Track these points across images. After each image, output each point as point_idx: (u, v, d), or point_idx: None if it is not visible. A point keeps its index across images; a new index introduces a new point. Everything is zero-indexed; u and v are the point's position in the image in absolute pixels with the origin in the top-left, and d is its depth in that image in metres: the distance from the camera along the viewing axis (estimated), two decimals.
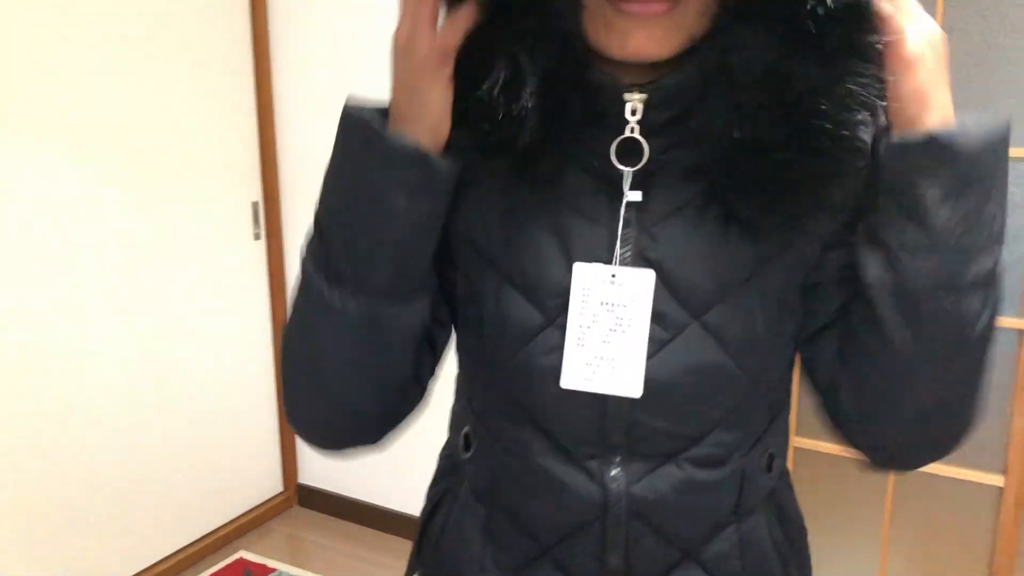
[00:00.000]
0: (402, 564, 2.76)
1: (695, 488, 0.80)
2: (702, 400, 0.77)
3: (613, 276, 0.76)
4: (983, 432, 2.11)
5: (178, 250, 2.58)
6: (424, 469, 3.10)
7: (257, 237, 2.84)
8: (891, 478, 2.22)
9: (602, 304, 0.76)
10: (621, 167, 0.74)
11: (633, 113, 0.72)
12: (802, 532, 0.93)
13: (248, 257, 2.82)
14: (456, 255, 0.82)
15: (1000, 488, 2.11)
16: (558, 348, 0.77)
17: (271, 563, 2.74)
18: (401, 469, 2.87)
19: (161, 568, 2.64)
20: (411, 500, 2.87)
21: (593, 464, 0.79)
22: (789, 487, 0.92)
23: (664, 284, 0.75)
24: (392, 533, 2.92)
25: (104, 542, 2.47)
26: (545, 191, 0.76)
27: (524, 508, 0.83)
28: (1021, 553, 2.13)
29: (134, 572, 2.57)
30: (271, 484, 3.04)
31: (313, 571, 2.71)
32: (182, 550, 2.72)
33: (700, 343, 0.75)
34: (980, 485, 2.14)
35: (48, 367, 2.26)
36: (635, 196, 0.75)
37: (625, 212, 0.75)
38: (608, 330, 0.77)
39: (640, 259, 0.76)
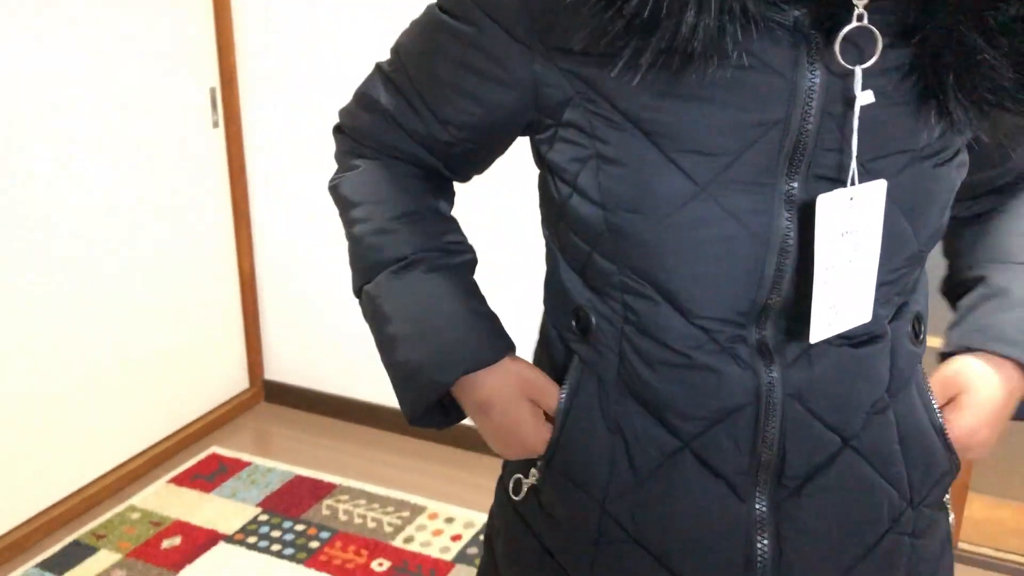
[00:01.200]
0: (372, 452, 2.77)
1: (851, 366, 0.74)
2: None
3: (851, 199, 0.68)
4: None
5: (135, 139, 2.46)
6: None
7: (215, 124, 2.73)
8: None
9: (843, 235, 0.69)
10: (848, 65, 0.65)
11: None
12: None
13: (207, 145, 2.72)
14: (576, 107, 0.71)
15: None
16: (703, 221, 0.68)
17: (244, 456, 2.73)
18: (363, 360, 2.86)
19: (136, 463, 2.60)
20: (374, 390, 2.86)
21: (740, 349, 0.72)
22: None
23: (847, 142, 0.69)
24: (358, 423, 2.92)
25: (77, 440, 2.41)
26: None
27: (661, 396, 0.74)
28: None
29: (110, 468, 2.53)
30: (238, 381, 3.00)
31: (285, 462, 2.71)
32: (155, 446, 2.68)
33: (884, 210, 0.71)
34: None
35: (7, 269, 2.16)
36: (868, 98, 0.66)
37: (855, 113, 0.66)
38: (847, 262, 0.70)
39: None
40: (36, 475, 2.32)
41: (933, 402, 0.80)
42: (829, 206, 0.68)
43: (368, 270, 0.82)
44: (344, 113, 0.88)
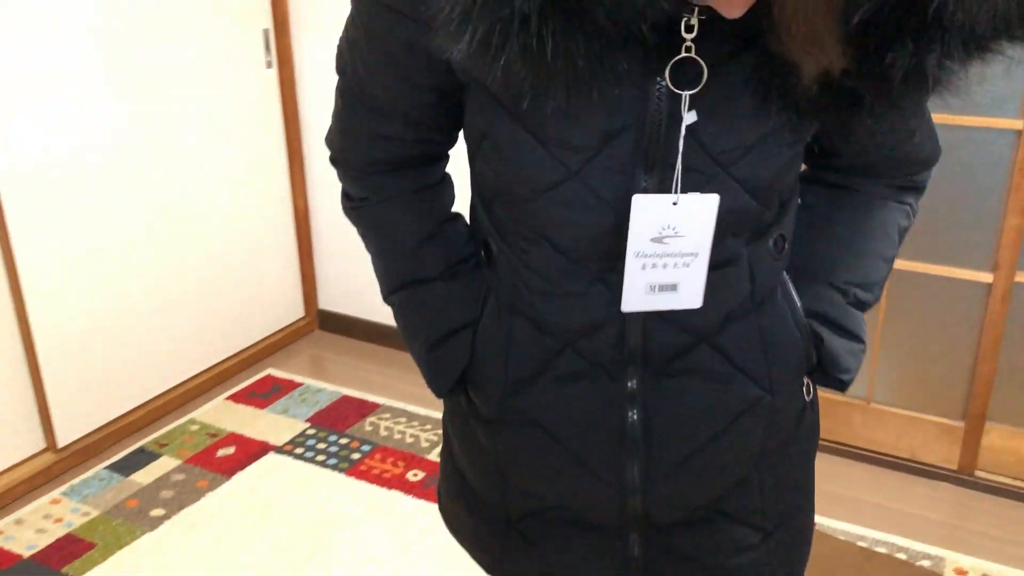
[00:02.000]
0: (416, 377, 2.93)
1: (709, 286, 0.82)
2: (719, 234, 0.80)
3: (675, 204, 0.76)
4: (975, 232, 2.22)
5: (190, 81, 2.63)
6: None
7: (269, 66, 2.88)
8: None
9: (662, 230, 0.77)
10: (677, 90, 0.73)
11: (689, 30, 0.70)
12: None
13: (260, 86, 2.87)
14: (473, 94, 0.81)
15: (988, 284, 2.23)
16: (574, 197, 0.78)
17: (297, 378, 2.91)
18: None
19: (198, 381, 2.81)
20: None
21: (610, 277, 0.81)
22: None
23: (697, 142, 0.76)
24: (403, 349, 3.06)
25: (146, 358, 2.63)
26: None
27: (544, 316, 0.86)
28: (1004, 346, 2.26)
29: (174, 384, 2.75)
30: (293, 310, 3.19)
31: (334, 383, 2.89)
32: (215, 366, 2.89)
33: (728, 192, 0.78)
34: (969, 282, 2.26)
35: (80, 202, 2.36)
36: (691, 118, 0.74)
37: (682, 132, 0.74)
38: (672, 259, 0.78)
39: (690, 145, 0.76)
40: (108, 389, 2.55)
41: (798, 304, 0.90)
42: (644, 206, 0.76)
43: (393, 288, 0.97)
44: (331, 145, 0.96)
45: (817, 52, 0.63)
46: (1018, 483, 2.33)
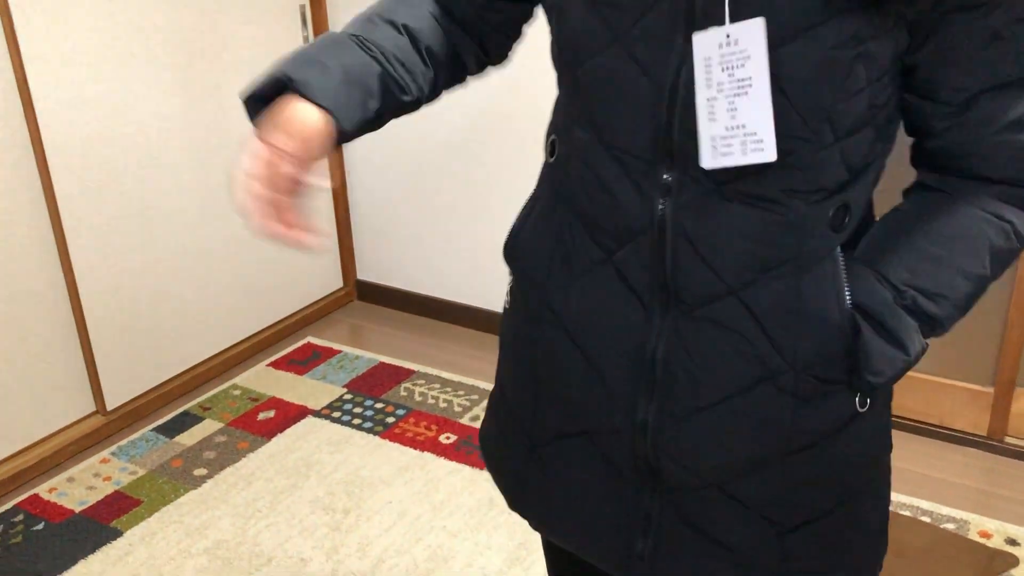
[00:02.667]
0: (451, 345, 2.99)
1: (742, 223, 0.80)
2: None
3: (728, 36, 0.75)
4: None
5: (227, 55, 2.70)
6: (471, 261, 3.31)
7: (305, 40, 2.94)
8: None
9: (723, 70, 0.76)
10: None
11: None
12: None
13: None
14: None
15: None
16: (615, 67, 0.81)
17: (336, 346, 3.00)
18: (445, 262, 3.07)
19: (239, 349, 2.91)
20: (455, 290, 3.08)
21: (645, 184, 0.82)
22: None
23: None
24: (439, 319, 3.15)
25: (190, 327, 2.73)
26: None
27: (588, 212, 0.87)
28: None
29: (216, 351, 2.85)
30: (332, 281, 3.27)
31: (371, 351, 2.97)
32: (256, 334, 2.98)
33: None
34: None
35: (122, 173, 2.45)
36: None
37: None
38: (733, 95, 0.76)
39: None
40: (154, 355, 2.65)
41: (847, 292, 0.83)
42: (704, 43, 0.76)
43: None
44: None
45: None
46: None
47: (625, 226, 0.85)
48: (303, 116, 0.86)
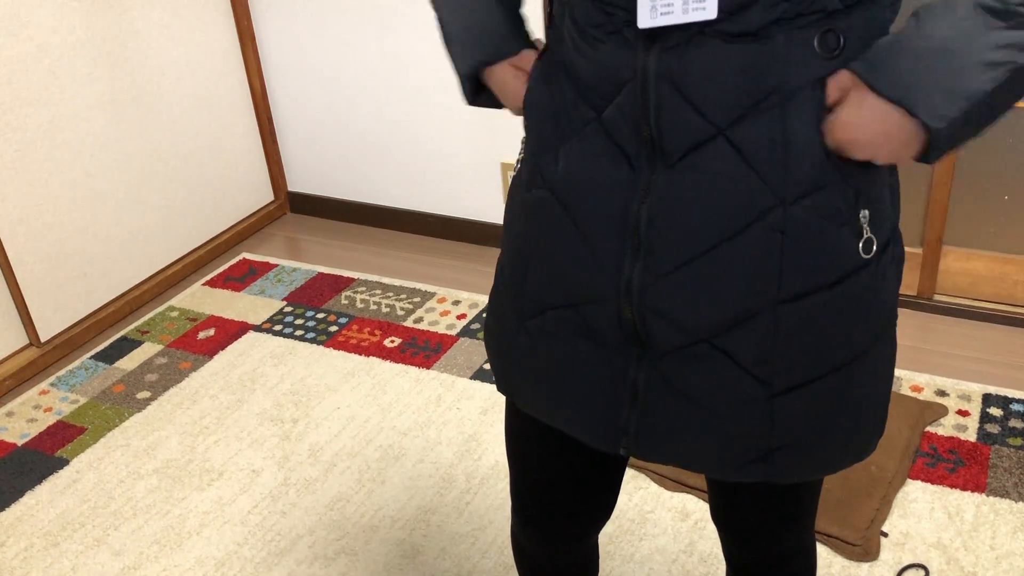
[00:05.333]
0: (389, 250, 2.97)
1: (723, 59, 0.79)
2: None
3: None
4: None
5: None
6: (401, 164, 3.26)
7: None
8: None
9: None
10: None
11: None
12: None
13: None
14: None
15: None
16: None
17: (272, 260, 2.95)
18: (378, 166, 3.01)
19: (173, 270, 2.85)
20: (389, 194, 3.03)
21: (628, 32, 0.81)
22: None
23: None
24: (376, 225, 3.11)
25: (116, 251, 2.66)
26: None
27: (579, 70, 0.87)
28: (956, 170, 2.29)
29: (150, 274, 2.79)
30: (262, 194, 3.19)
31: (309, 263, 2.93)
32: (189, 254, 2.92)
33: None
34: None
35: (24, 95, 2.33)
36: None
37: None
38: None
39: None
40: (85, 282, 2.58)
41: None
42: None
43: None
44: None
45: None
46: (974, 303, 2.40)
47: (611, 79, 0.84)
48: (504, 78, 1.00)
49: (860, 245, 0.86)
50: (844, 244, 0.85)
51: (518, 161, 1.01)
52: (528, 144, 0.96)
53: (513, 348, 1.02)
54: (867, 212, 0.86)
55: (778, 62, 0.78)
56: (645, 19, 0.78)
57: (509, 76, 0.98)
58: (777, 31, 0.78)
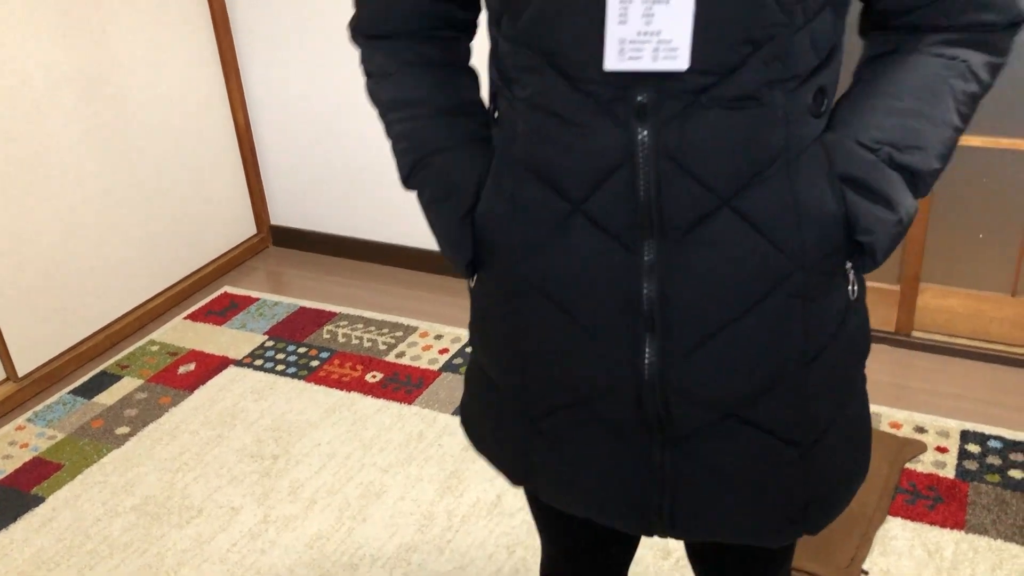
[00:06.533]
0: (371, 284, 2.97)
1: (724, 128, 0.77)
2: (729, 26, 0.74)
3: None
4: (1020, 98, 2.19)
5: (116, 1, 2.58)
6: (383, 198, 3.27)
7: None
8: None
9: None
10: None
11: None
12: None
13: (187, 1, 2.81)
14: None
15: None
16: None
17: (254, 294, 2.94)
18: (360, 200, 3.02)
19: (154, 303, 2.84)
20: (376, 227, 3.04)
21: (618, 109, 0.77)
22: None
23: None
24: (358, 258, 3.11)
25: (97, 285, 2.64)
26: None
27: (550, 162, 0.81)
28: (932, 207, 2.32)
29: (129, 308, 2.77)
30: (245, 227, 3.19)
31: (291, 296, 2.92)
32: (171, 288, 2.91)
33: None
34: (1017, 152, 2.23)
35: (8, 129, 2.33)
36: None
37: None
38: (652, 2, 0.73)
39: None
40: (65, 316, 2.57)
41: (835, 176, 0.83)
42: None
43: (407, 165, 0.95)
44: (352, 18, 0.97)
45: None
46: (951, 339, 2.42)
47: (597, 165, 0.79)
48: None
49: (849, 289, 0.88)
50: (843, 293, 0.87)
51: (470, 279, 0.96)
52: (494, 252, 0.90)
53: (527, 448, 0.97)
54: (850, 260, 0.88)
55: (780, 125, 0.78)
56: (612, 61, 0.75)
57: None
58: (776, 93, 0.77)
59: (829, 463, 0.92)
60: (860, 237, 0.83)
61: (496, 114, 0.89)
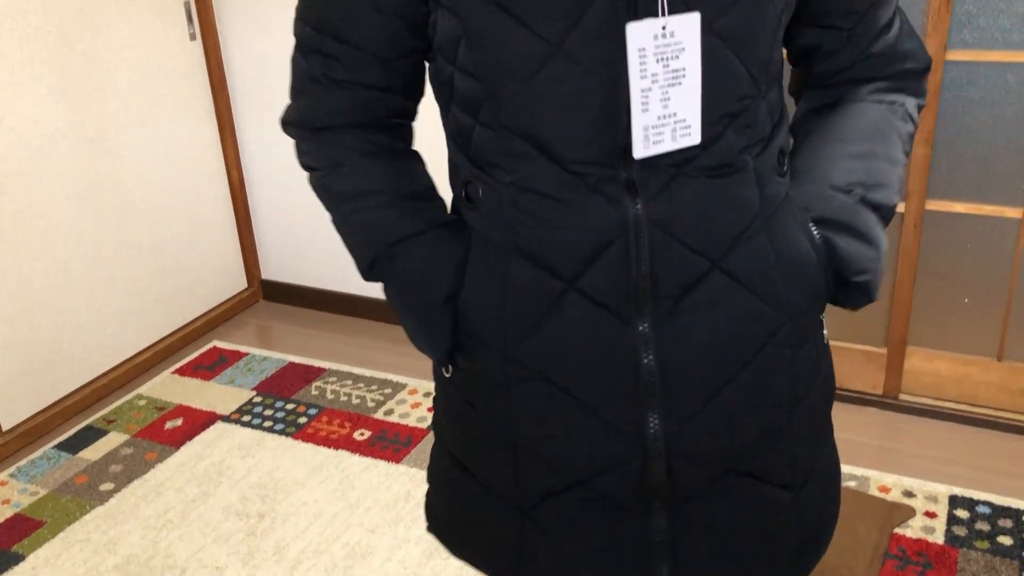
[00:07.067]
0: (361, 340, 2.97)
1: (711, 195, 0.80)
2: (715, 101, 0.78)
3: (663, 28, 0.74)
4: (1003, 167, 2.20)
5: (109, 55, 2.61)
6: None
7: (193, 38, 2.86)
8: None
9: (658, 61, 0.75)
10: None
11: None
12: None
13: (185, 59, 2.86)
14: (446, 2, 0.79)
15: (901, 213, 2.31)
16: (561, 76, 0.76)
17: (243, 348, 2.94)
18: (350, 257, 3.04)
19: (143, 357, 2.83)
20: (367, 284, 3.05)
21: (609, 188, 0.79)
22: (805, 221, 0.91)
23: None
24: (348, 314, 3.12)
25: (86, 338, 2.64)
26: None
27: (541, 244, 0.81)
28: (919, 271, 2.35)
29: (117, 362, 2.76)
30: (236, 281, 3.20)
31: (280, 352, 2.92)
32: (160, 341, 2.90)
33: (710, 45, 0.76)
34: (1001, 219, 2.25)
35: (14, 183, 2.34)
36: None
37: None
38: (667, 86, 0.76)
39: None
40: (52, 369, 2.55)
41: (812, 228, 0.87)
42: (639, 33, 0.74)
43: (370, 256, 0.92)
44: (288, 111, 0.93)
45: None
46: (938, 403, 2.43)
47: (592, 242, 0.80)
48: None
49: (823, 333, 0.93)
50: (820, 338, 0.92)
51: (446, 368, 0.94)
52: (482, 340, 0.88)
53: (519, 543, 0.95)
54: None
55: (754, 187, 0.82)
56: (640, 150, 0.77)
57: None
58: (748, 158, 0.81)
59: (817, 502, 0.96)
60: (856, 278, 0.88)
61: (468, 198, 0.87)
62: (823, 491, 0.97)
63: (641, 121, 0.77)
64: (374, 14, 0.83)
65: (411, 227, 0.89)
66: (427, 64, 0.90)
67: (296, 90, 0.91)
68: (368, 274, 0.93)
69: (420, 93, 0.93)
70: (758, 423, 0.86)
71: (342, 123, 0.90)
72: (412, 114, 0.95)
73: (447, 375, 0.96)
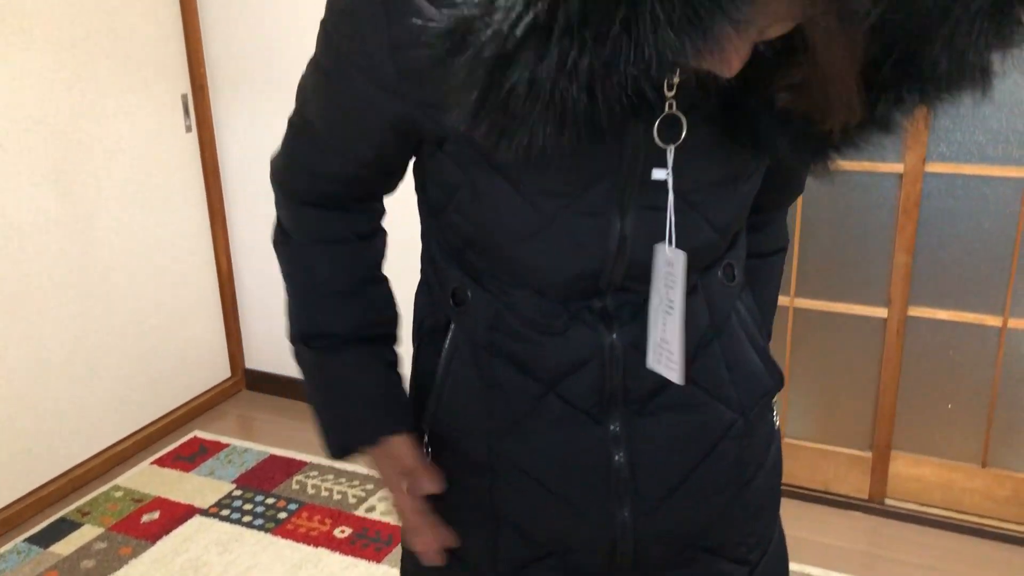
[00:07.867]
0: None
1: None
2: (694, 263, 0.85)
3: (668, 257, 0.81)
4: (868, 270, 2.33)
5: (109, 147, 2.65)
6: None
7: (188, 129, 2.91)
8: (790, 314, 2.44)
9: (665, 286, 0.82)
10: (662, 144, 0.77)
11: (670, 89, 0.74)
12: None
13: (181, 150, 2.90)
14: (451, 147, 0.82)
15: (883, 319, 2.34)
16: (553, 242, 0.82)
17: (224, 439, 2.90)
18: None
19: (122, 447, 2.79)
20: None
21: (585, 315, 0.86)
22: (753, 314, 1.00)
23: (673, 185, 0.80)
24: None
25: (64, 426, 2.60)
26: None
27: (525, 355, 0.88)
28: (903, 375, 2.37)
29: (97, 451, 2.72)
30: (219, 371, 3.18)
31: (262, 443, 2.89)
32: (140, 431, 2.87)
33: (697, 231, 0.84)
34: (866, 318, 2.37)
35: (0, 268, 2.35)
36: (660, 175, 0.78)
37: (670, 186, 0.78)
38: (665, 312, 0.83)
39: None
40: (27, 459, 2.51)
41: (752, 326, 0.96)
42: (661, 255, 0.82)
43: (302, 334, 0.98)
44: (274, 165, 0.97)
45: (847, 109, 0.67)
46: (924, 508, 2.42)
47: (569, 359, 0.87)
48: (403, 449, 0.96)
49: (774, 417, 1.01)
50: (770, 422, 1.00)
51: (426, 444, 0.98)
52: (465, 432, 0.93)
53: None
54: None
55: (704, 305, 0.90)
56: (652, 359, 0.86)
57: (392, 474, 0.96)
58: (698, 282, 0.89)
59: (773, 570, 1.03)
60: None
61: (465, 300, 0.90)
62: (776, 567, 1.04)
63: (654, 335, 0.85)
64: (360, 135, 0.87)
65: (335, 326, 0.96)
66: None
67: (282, 154, 0.95)
68: (291, 342, 0.99)
69: (396, 184, 0.97)
70: (715, 504, 0.94)
71: (312, 202, 0.95)
72: (383, 196, 0.99)
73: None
